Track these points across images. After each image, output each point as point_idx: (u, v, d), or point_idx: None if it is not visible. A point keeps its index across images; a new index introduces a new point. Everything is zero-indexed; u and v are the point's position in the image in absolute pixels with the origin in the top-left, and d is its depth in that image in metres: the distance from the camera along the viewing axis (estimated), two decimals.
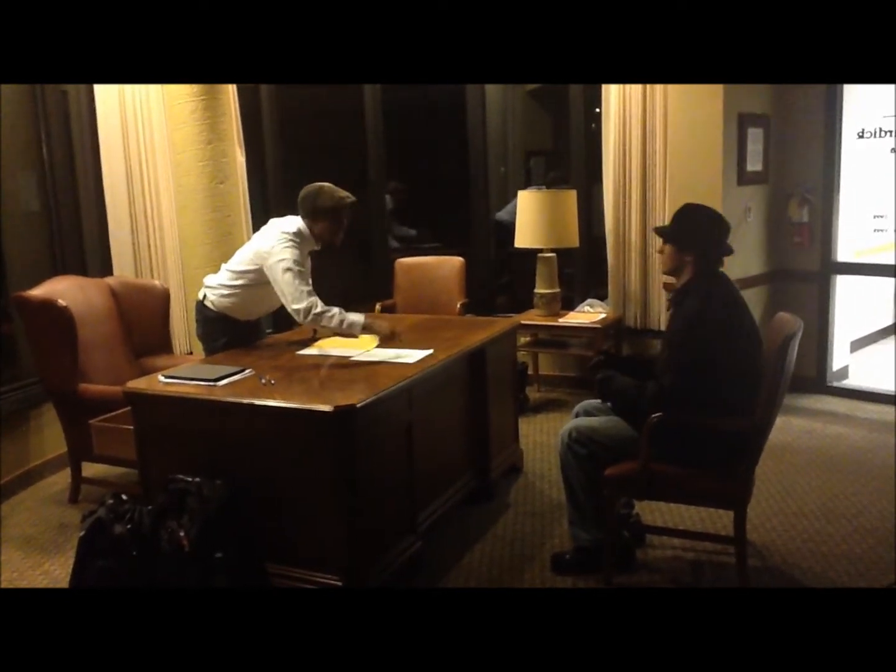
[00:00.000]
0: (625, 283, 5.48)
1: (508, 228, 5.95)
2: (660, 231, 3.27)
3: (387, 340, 3.61)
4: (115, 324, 4.44)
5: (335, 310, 3.57)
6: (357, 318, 3.59)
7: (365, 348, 3.67)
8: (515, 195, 5.68)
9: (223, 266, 3.92)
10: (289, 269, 3.57)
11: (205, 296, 3.91)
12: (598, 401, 3.48)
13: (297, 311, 3.55)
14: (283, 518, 3.01)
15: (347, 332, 3.62)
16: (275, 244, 3.63)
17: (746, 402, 2.91)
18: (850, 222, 5.41)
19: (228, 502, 2.90)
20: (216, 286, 3.88)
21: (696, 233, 3.09)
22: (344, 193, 3.75)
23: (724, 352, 2.89)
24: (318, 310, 3.54)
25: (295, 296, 3.55)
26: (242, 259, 3.82)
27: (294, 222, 3.75)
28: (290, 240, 3.64)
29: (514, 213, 5.73)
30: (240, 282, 3.80)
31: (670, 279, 5.00)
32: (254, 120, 5.88)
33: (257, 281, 3.74)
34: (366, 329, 3.60)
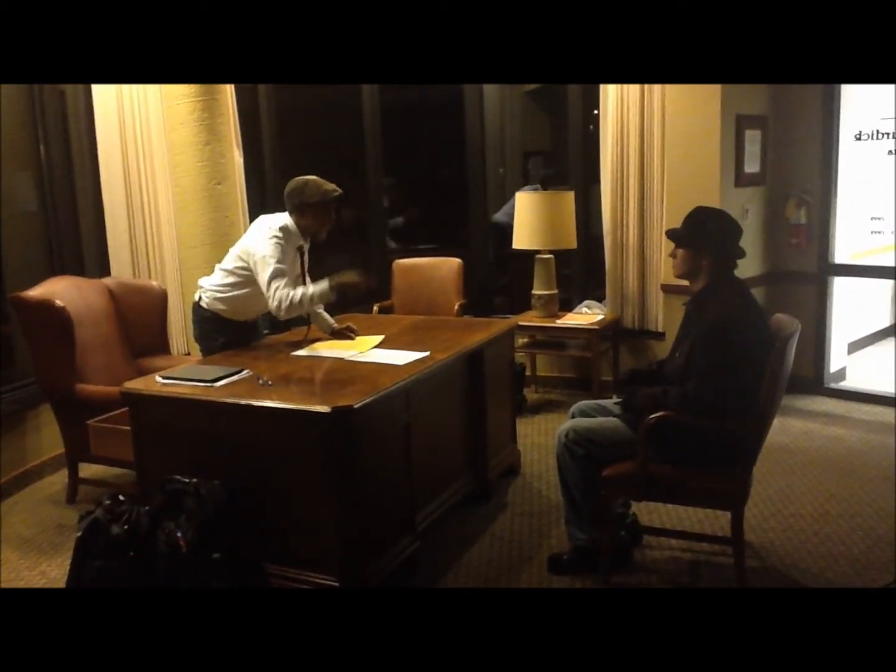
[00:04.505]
0: (622, 285, 5.49)
1: (505, 230, 5.96)
2: (672, 235, 3.19)
3: (361, 284, 3.67)
4: (113, 324, 4.43)
5: (299, 291, 3.64)
6: (322, 285, 3.67)
7: (361, 349, 3.67)
8: (513, 196, 5.68)
9: (216, 266, 3.95)
10: (269, 266, 3.62)
11: (200, 297, 3.93)
12: (595, 401, 3.48)
13: (273, 307, 3.64)
14: (281, 519, 3.01)
15: (324, 301, 3.72)
16: (260, 241, 3.68)
17: (751, 404, 2.91)
18: (847, 224, 5.41)
19: (226, 503, 2.90)
20: (210, 287, 3.90)
21: (710, 235, 3.07)
22: (331, 186, 3.77)
23: (745, 356, 2.89)
24: (287, 302, 3.61)
25: (272, 293, 3.62)
26: (232, 257, 3.86)
27: (280, 218, 3.78)
28: (275, 236, 3.68)
29: (510, 215, 5.72)
30: (231, 280, 3.83)
31: (669, 280, 5.05)
32: (252, 120, 5.88)
33: (248, 279, 3.77)
34: (335, 287, 3.66)
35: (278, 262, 3.63)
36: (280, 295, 3.60)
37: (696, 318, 3.08)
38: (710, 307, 3.01)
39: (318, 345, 3.83)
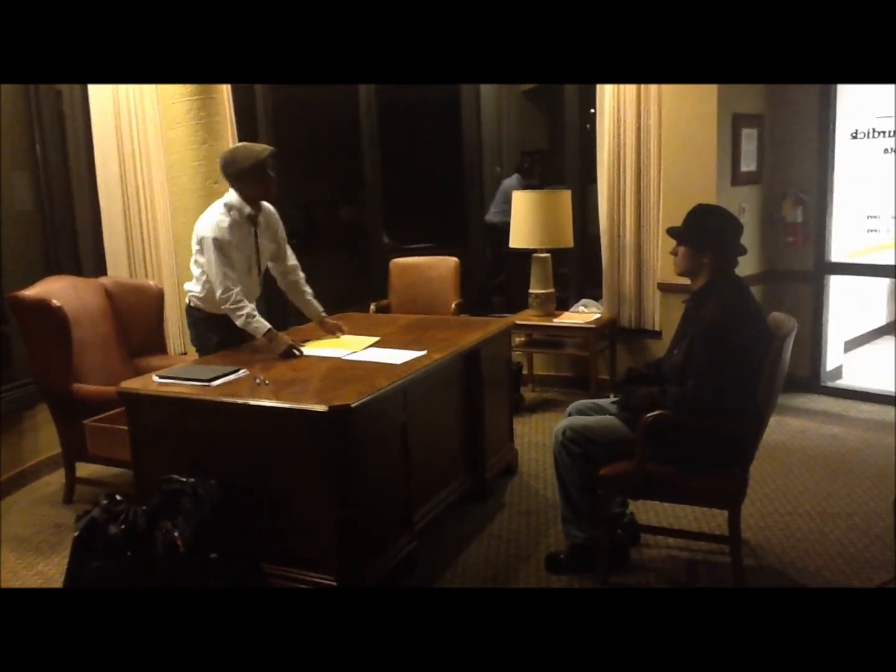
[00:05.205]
0: (619, 284, 5.49)
1: (500, 229, 5.97)
2: (673, 232, 3.19)
3: (283, 357, 3.59)
4: (110, 324, 4.43)
5: (246, 309, 3.64)
6: (262, 326, 3.64)
7: (358, 348, 3.67)
8: (498, 192, 5.64)
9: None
10: (211, 250, 3.63)
11: (189, 301, 3.95)
12: (592, 401, 3.48)
13: (218, 293, 3.65)
14: (278, 518, 3.01)
15: (251, 333, 3.70)
16: (206, 224, 3.69)
17: (748, 403, 2.92)
18: (843, 222, 5.42)
19: (223, 502, 2.90)
20: (189, 288, 3.92)
21: (712, 233, 3.06)
22: (260, 147, 3.78)
23: (744, 355, 2.89)
24: (231, 305, 3.63)
25: (215, 280, 3.64)
26: (193, 248, 3.85)
27: (223, 199, 3.78)
28: (219, 219, 3.68)
29: (503, 212, 5.72)
30: (198, 271, 3.82)
31: (666, 279, 5.05)
32: (248, 120, 5.87)
33: None
34: (265, 335, 3.64)
35: (217, 243, 3.61)
36: (227, 291, 3.61)
37: (695, 316, 3.08)
38: (709, 305, 3.00)
39: (314, 344, 3.83)
